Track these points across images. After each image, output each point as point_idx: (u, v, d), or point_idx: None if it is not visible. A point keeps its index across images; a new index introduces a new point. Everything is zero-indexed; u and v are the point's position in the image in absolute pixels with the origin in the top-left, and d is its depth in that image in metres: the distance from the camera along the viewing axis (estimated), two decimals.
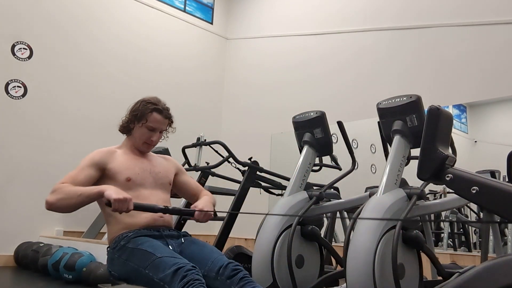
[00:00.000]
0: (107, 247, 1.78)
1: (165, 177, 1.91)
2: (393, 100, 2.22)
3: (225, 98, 6.06)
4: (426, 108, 1.53)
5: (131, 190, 1.73)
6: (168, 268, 1.47)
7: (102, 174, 1.78)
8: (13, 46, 4.20)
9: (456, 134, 3.91)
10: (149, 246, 1.61)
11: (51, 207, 1.60)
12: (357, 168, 2.79)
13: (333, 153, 2.75)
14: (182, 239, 1.79)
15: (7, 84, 4.13)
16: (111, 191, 1.58)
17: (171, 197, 1.97)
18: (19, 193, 4.05)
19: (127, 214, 1.68)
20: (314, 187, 2.68)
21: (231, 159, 3.14)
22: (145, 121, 1.86)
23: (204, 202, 1.82)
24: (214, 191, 3.74)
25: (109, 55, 4.90)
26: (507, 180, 2.32)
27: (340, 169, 2.91)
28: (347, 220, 3.64)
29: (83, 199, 1.61)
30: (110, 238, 1.77)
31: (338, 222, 3.73)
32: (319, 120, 2.64)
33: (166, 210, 1.66)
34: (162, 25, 5.49)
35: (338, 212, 3.53)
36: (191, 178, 2.10)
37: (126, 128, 1.92)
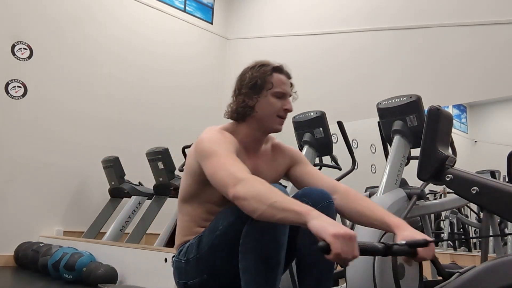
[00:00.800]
0: (172, 256, 1.47)
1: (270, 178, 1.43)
2: (393, 100, 2.22)
3: (225, 98, 6.04)
4: (426, 108, 1.53)
5: (222, 206, 1.33)
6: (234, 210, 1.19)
7: (201, 173, 1.31)
8: (13, 46, 4.20)
9: (456, 134, 3.90)
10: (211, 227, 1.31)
11: (241, 202, 1.13)
12: (357, 168, 2.79)
13: (333, 153, 2.75)
14: None
15: (7, 84, 4.12)
16: (324, 221, 1.00)
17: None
18: (19, 193, 4.05)
19: (207, 216, 1.34)
20: None
21: None
22: (271, 87, 1.41)
23: (412, 230, 1.19)
24: None
25: (109, 55, 4.90)
26: (507, 180, 2.32)
27: (340, 169, 2.91)
28: (347, 220, 3.63)
29: (273, 213, 1.07)
30: (178, 243, 1.44)
31: None
32: (319, 120, 2.64)
33: (388, 251, 1.08)
34: (162, 25, 5.49)
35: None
36: (320, 172, 1.58)
37: (244, 109, 1.41)
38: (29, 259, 3.47)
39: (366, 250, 1.04)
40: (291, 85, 1.51)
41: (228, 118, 1.47)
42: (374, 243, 1.07)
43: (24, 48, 4.26)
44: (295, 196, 1.31)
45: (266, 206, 1.07)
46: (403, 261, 1.18)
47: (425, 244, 1.10)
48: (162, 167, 3.70)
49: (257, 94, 1.41)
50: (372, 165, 4.28)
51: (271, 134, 1.54)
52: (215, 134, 1.37)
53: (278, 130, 1.46)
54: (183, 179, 1.45)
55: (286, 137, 3.87)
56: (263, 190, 1.11)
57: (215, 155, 1.26)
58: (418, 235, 1.15)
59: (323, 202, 1.26)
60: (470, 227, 3.93)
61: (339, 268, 2.69)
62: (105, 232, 3.92)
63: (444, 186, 1.62)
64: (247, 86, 1.43)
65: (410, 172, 1.87)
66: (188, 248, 1.37)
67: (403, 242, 1.09)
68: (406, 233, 1.16)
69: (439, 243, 3.90)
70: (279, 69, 1.47)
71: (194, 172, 1.38)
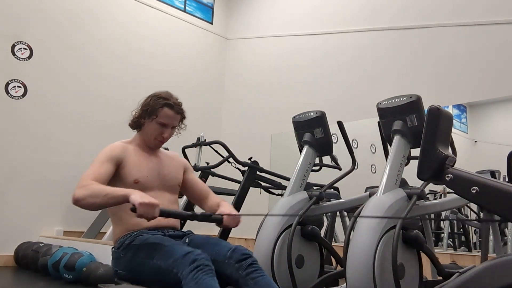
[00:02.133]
0: (112, 248, 1.75)
1: (173, 178, 1.87)
2: (393, 100, 2.22)
3: (225, 98, 6.06)
4: (426, 108, 1.53)
5: None
6: (177, 253, 1.45)
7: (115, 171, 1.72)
8: (13, 46, 4.20)
9: (456, 134, 3.91)
10: (157, 238, 1.60)
11: (78, 203, 1.53)
12: (357, 168, 2.79)
13: (333, 153, 2.75)
14: (187, 238, 1.77)
15: (7, 84, 4.13)
16: (137, 196, 1.49)
17: None
18: (19, 193, 4.05)
19: (132, 215, 1.61)
20: (314, 187, 2.68)
21: (231, 159, 3.14)
22: (156, 117, 1.79)
23: (229, 206, 1.80)
24: (214, 191, 3.74)
25: (108, 55, 4.90)
26: (507, 180, 2.32)
27: (340, 169, 2.91)
28: (347, 220, 3.64)
29: (107, 200, 1.54)
30: (115, 239, 1.75)
31: (338, 222, 3.73)
32: (319, 120, 2.64)
33: (193, 217, 1.59)
34: (162, 25, 5.49)
35: (338, 212, 3.53)
36: (199, 179, 2.05)
37: (136, 123, 1.85)
38: (29, 259, 3.47)
39: (169, 213, 1.56)
40: (181, 118, 1.93)
41: (129, 125, 1.89)
42: (183, 211, 1.66)
43: (24, 48, 4.26)
44: None
45: (101, 197, 1.52)
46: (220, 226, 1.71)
47: (220, 219, 1.68)
48: None
49: (147, 118, 1.82)
50: (372, 165, 4.28)
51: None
52: (107, 148, 1.78)
53: (157, 148, 1.90)
54: None
55: (286, 137, 3.88)
56: (97, 188, 1.56)
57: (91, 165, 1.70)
58: (233, 211, 1.74)
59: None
60: (470, 227, 3.93)
61: (339, 268, 2.69)
62: (105, 232, 3.92)
63: (444, 186, 1.62)
64: (142, 108, 1.83)
65: (410, 172, 1.87)
66: (124, 247, 1.68)
67: (210, 213, 1.71)
68: (222, 209, 1.76)
69: (439, 243, 3.90)
70: (170, 105, 1.82)
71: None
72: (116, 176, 1.71)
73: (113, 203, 1.57)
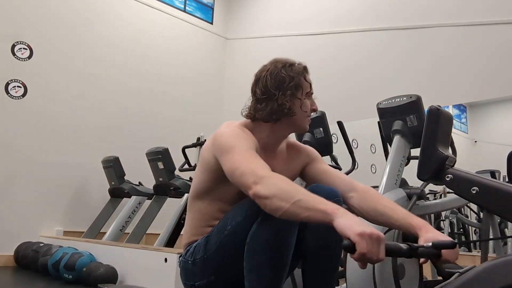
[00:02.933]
0: (179, 256, 1.49)
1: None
2: (393, 100, 2.22)
3: (225, 98, 6.06)
4: (426, 108, 1.53)
5: (236, 203, 1.31)
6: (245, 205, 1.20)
7: (218, 168, 1.28)
8: (13, 46, 4.20)
9: (456, 134, 3.90)
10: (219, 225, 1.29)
11: (264, 200, 1.09)
12: (357, 168, 2.79)
13: (333, 153, 2.75)
14: None
15: (7, 84, 4.13)
16: (349, 220, 0.98)
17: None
18: (19, 193, 4.05)
19: (218, 215, 1.32)
20: None
21: None
22: (308, 88, 1.42)
23: (436, 231, 1.17)
24: None
25: (108, 55, 4.90)
26: (507, 180, 2.32)
27: (340, 169, 2.91)
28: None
29: (301, 211, 1.04)
30: (185, 242, 1.42)
31: None
32: (319, 120, 2.64)
33: (412, 253, 1.05)
34: (162, 25, 5.49)
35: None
36: (336, 170, 1.54)
37: (280, 112, 1.36)
38: (29, 259, 3.47)
39: (390, 251, 1.01)
40: None
41: (258, 119, 1.40)
42: (398, 244, 1.04)
43: (24, 48, 4.26)
44: None
45: (290, 204, 1.04)
46: (426, 262, 1.16)
47: (451, 246, 1.07)
48: (162, 167, 3.70)
49: (295, 95, 1.38)
50: (372, 165, 4.28)
51: None
52: (235, 129, 1.34)
53: (307, 130, 1.47)
54: (197, 175, 1.42)
55: None
56: (286, 188, 1.08)
57: (235, 150, 1.21)
58: (442, 237, 1.13)
59: (331, 200, 1.16)
60: (470, 227, 3.93)
61: (339, 268, 2.68)
62: (105, 232, 3.92)
63: (444, 186, 1.62)
64: (287, 87, 1.36)
65: (410, 172, 1.87)
66: (196, 249, 1.35)
67: (429, 244, 1.06)
68: (430, 235, 1.13)
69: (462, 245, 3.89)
70: (307, 69, 1.45)
71: (209, 167, 1.34)
72: (221, 176, 1.28)
73: (304, 218, 1.05)
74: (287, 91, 1.35)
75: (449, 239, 1.12)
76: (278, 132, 1.41)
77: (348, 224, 0.96)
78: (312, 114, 1.45)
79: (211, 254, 1.30)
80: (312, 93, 1.44)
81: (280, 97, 1.35)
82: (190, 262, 1.36)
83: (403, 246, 1.04)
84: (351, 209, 1.34)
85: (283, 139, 1.46)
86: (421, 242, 1.12)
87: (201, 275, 1.33)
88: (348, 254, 0.94)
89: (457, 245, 1.12)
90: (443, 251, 1.08)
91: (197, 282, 1.35)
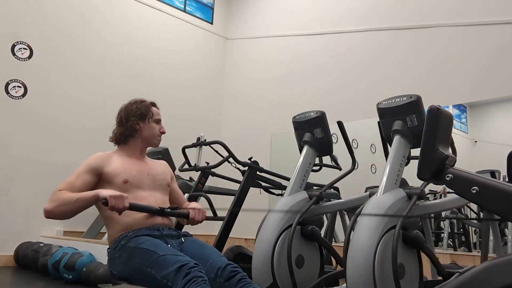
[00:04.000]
0: (108, 248, 1.77)
1: (163, 179, 1.92)
2: (393, 100, 2.22)
3: (225, 98, 6.06)
4: (426, 108, 1.53)
5: (128, 192, 1.72)
6: (171, 266, 1.47)
7: (99, 179, 1.79)
8: (13, 46, 4.20)
9: (456, 134, 3.91)
10: (151, 245, 1.60)
11: (50, 215, 1.63)
12: (357, 168, 2.79)
13: (333, 153, 2.75)
14: (182, 238, 1.79)
15: (7, 84, 4.13)
16: (107, 191, 1.62)
17: None
18: (19, 193, 4.05)
19: (126, 215, 1.67)
20: (314, 187, 2.67)
21: (231, 159, 3.14)
22: (151, 116, 1.94)
23: (194, 203, 1.93)
24: (214, 191, 3.75)
25: (108, 55, 4.90)
26: (507, 180, 2.32)
27: (340, 169, 2.91)
28: (347, 220, 3.64)
29: (80, 204, 1.62)
30: (110, 240, 1.77)
31: (337, 222, 3.73)
32: (319, 120, 2.64)
33: (161, 212, 1.70)
34: (162, 25, 5.49)
35: (338, 212, 3.53)
36: (179, 189, 2.16)
37: (124, 135, 1.92)
38: (29, 259, 3.47)
39: (139, 207, 1.66)
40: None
41: (113, 142, 1.96)
42: (152, 206, 1.71)
43: (24, 48, 4.26)
44: None
45: (72, 203, 1.61)
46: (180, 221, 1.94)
47: (186, 214, 1.79)
48: None
49: (141, 122, 1.92)
50: (372, 165, 4.28)
51: None
52: (88, 159, 1.88)
53: (158, 145, 2.02)
54: None
55: (286, 137, 3.87)
56: (66, 196, 1.65)
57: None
58: (197, 206, 1.86)
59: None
60: (470, 227, 3.93)
61: (339, 268, 2.69)
62: (105, 232, 3.91)
63: (444, 186, 1.62)
64: (134, 115, 1.91)
65: (410, 172, 1.87)
66: (119, 247, 1.70)
67: (175, 206, 1.81)
68: (190, 204, 1.90)
69: (439, 243, 3.90)
70: (154, 104, 1.99)
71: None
72: (105, 181, 1.78)
73: (85, 206, 1.64)
74: (135, 118, 1.91)
75: (198, 206, 1.86)
76: (138, 148, 1.95)
77: (105, 192, 1.60)
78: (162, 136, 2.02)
79: (127, 263, 1.68)
80: (159, 119, 1.99)
81: (130, 122, 1.91)
82: (116, 254, 1.75)
83: (155, 207, 1.72)
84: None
85: (143, 151, 1.99)
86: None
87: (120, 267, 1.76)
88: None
89: (201, 210, 1.84)
90: (190, 212, 1.79)
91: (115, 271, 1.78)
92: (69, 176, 1.79)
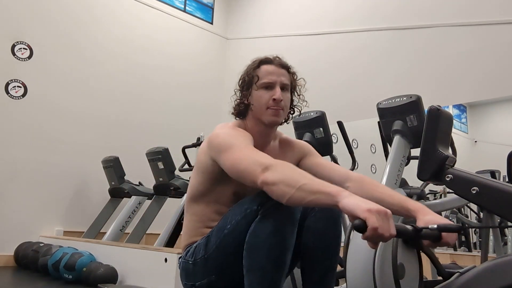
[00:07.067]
0: (179, 257, 1.46)
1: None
2: (393, 100, 2.22)
3: (225, 98, 6.05)
4: (426, 108, 1.53)
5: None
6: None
7: (214, 170, 1.34)
8: (13, 46, 4.20)
9: (456, 134, 3.90)
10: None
11: (271, 187, 1.10)
12: (357, 168, 2.79)
13: (333, 153, 2.75)
14: None
15: (7, 84, 4.12)
16: (358, 200, 0.96)
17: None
18: (19, 193, 4.05)
19: (215, 216, 1.34)
20: None
21: None
22: (257, 79, 1.42)
23: (434, 214, 1.18)
24: None
25: (109, 55, 4.90)
26: (507, 180, 2.32)
27: None
28: (347, 220, 3.63)
29: (308, 196, 1.04)
30: (185, 244, 1.44)
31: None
32: (319, 120, 2.64)
33: (417, 234, 1.06)
34: (162, 25, 5.49)
35: None
36: (331, 163, 1.59)
37: (240, 106, 1.46)
38: (29, 259, 3.47)
39: (397, 231, 0.98)
40: (291, 74, 1.52)
41: (233, 115, 1.51)
42: (404, 225, 1.03)
43: (24, 48, 4.26)
44: None
45: (295, 189, 1.04)
46: (426, 245, 1.14)
47: (457, 229, 1.08)
48: (162, 167, 3.70)
49: (248, 90, 1.44)
50: (372, 165, 4.28)
51: (279, 130, 1.55)
52: (230, 129, 1.39)
53: (274, 122, 1.43)
54: (193, 177, 1.44)
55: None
56: (291, 174, 1.10)
57: (234, 148, 1.25)
58: (441, 220, 1.13)
59: None
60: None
61: (339, 268, 2.68)
62: (105, 232, 3.92)
63: (444, 186, 1.62)
64: (239, 83, 1.49)
65: (410, 172, 1.87)
66: (196, 249, 1.36)
67: (435, 226, 1.06)
68: (429, 217, 1.14)
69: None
70: (266, 61, 1.47)
71: (206, 169, 1.38)
72: (217, 178, 1.35)
73: (309, 202, 1.04)
74: (241, 87, 1.47)
75: (449, 221, 1.14)
76: (256, 127, 1.44)
77: (354, 203, 0.95)
78: (273, 105, 1.41)
79: (212, 253, 1.31)
80: (268, 83, 1.42)
81: (239, 92, 1.48)
82: (190, 262, 1.36)
83: (408, 227, 1.03)
84: None
85: (266, 132, 1.47)
86: (420, 224, 1.12)
87: (202, 274, 1.34)
88: (358, 237, 1.00)
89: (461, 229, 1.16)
90: (443, 234, 1.08)
91: (198, 282, 1.36)
92: (230, 147, 1.26)
